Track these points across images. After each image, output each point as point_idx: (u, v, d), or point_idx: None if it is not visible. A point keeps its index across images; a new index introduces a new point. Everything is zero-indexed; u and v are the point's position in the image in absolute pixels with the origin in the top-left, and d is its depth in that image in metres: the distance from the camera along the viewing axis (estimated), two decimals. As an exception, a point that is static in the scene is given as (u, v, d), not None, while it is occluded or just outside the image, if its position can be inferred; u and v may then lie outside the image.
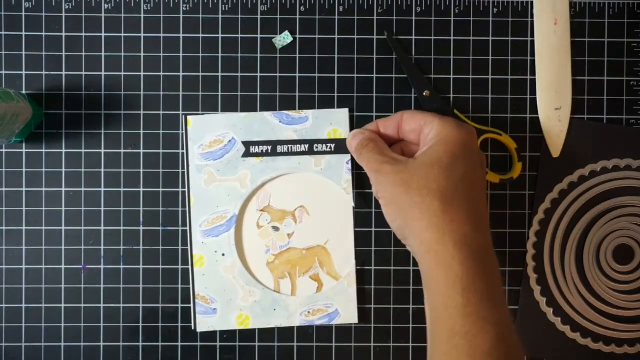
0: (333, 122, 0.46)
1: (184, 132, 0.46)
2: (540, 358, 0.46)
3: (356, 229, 0.46)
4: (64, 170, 0.46)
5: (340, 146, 0.45)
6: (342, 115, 0.46)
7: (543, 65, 0.46)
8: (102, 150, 0.46)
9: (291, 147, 0.45)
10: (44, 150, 0.46)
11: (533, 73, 0.46)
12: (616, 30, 0.47)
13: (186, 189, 0.45)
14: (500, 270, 0.38)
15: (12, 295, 0.46)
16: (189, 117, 0.46)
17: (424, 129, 0.41)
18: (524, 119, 0.47)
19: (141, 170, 0.46)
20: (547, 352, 0.46)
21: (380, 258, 0.46)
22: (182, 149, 0.46)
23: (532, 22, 0.47)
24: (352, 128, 0.46)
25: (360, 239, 0.46)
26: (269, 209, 0.46)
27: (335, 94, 0.46)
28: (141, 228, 0.46)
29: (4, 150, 0.46)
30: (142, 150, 0.46)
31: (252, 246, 0.46)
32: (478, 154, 0.40)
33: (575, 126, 0.47)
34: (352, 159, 0.45)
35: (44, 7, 0.46)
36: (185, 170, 0.45)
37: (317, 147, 0.45)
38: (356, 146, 0.43)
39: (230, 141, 0.45)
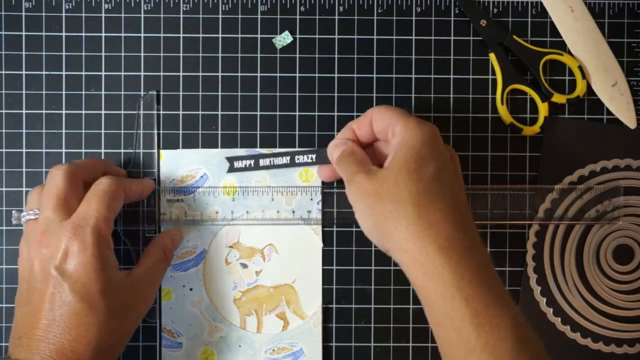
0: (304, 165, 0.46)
1: (157, 168, 0.46)
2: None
3: (324, 267, 0.46)
4: (64, 170, 0.46)
5: (321, 157, 0.45)
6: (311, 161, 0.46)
7: (581, 53, 0.46)
8: (102, 150, 0.46)
9: (273, 160, 0.45)
10: (44, 150, 0.46)
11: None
12: (616, 30, 0.47)
13: (156, 224, 0.45)
14: (492, 263, 0.36)
15: (12, 295, 0.46)
16: (162, 152, 0.46)
17: (388, 132, 0.39)
18: (524, 118, 0.47)
19: (141, 170, 0.46)
20: (547, 352, 0.46)
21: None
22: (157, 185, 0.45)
23: (532, 22, 0.47)
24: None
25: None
26: (238, 246, 0.46)
27: (335, 94, 0.46)
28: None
29: (4, 150, 0.46)
30: (141, 150, 0.46)
31: (219, 282, 0.46)
32: (446, 150, 0.38)
33: (575, 126, 0.47)
34: (322, 199, 0.45)
35: (44, 7, 0.46)
36: (156, 204, 0.45)
37: (298, 159, 0.45)
38: (337, 157, 0.41)
39: (202, 177, 0.46)
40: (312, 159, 0.45)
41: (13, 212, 0.41)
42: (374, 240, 0.39)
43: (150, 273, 0.42)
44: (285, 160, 0.45)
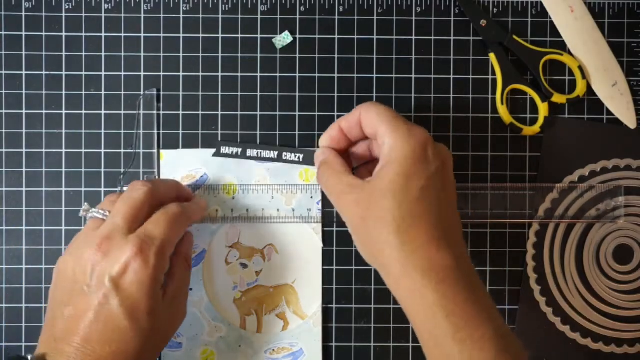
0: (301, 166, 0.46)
1: (157, 168, 0.46)
2: (541, 358, 0.46)
3: (324, 267, 0.46)
4: (64, 170, 0.46)
5: (308, 158, 0.45)
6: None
7: (581, 53, 0.46)
8: (102, 150, 0.46)
9: (260, 153, 0.45)
10: (44, 150, 0.46)
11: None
12: (616, 30, 0.47)
13: None
14: (477, 274, 0.36)
15: (12, 295, 0.46)
16: (162, 152, 0.46)
17: (378, 138, 0.38)
18: (524, 118, 0.47)
19: (140, 170, 0.46)
20: (547, 352, 0.46)
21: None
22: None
23: (532, 22, 0.47)
24: None
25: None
26: (238, 246, 0.46)
27: (335, 94, 0.46)
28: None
29: (4, 150, 0.46)
30: (141, 150, 0.46)
31: (219, 282, 0.46)
32: (436, 157, 0.37)
33: (576, 126, 0.47)
34: (322, 199, 0.45)
35: (44, 7, 0.46)
36: None
37: (285, 156, 0.45)
38: (318, 167, 0.41)
39: (202, 177, 0.46)
40: (299, 158, 0.45)
41: (85, 203, 0.41)
42: (363, 256, 0.39)
43: (180, 286, 0.41)
44: (273, 154, 0.45)
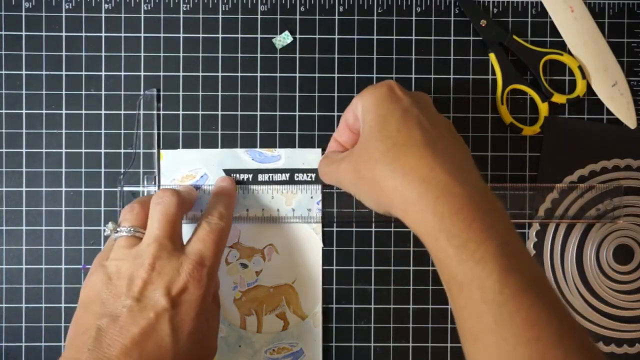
0: (305, 162, 0.46)
1: (157, 168, 0.46)
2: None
3: (324, 267, 0.46)
4: (64, 170, 0.46)
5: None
6: (314, 156, 0.46)
7: (581, 53, 0.46)
8: (102, 150, 0.46)
9: (272, 176, 0.46)
10: (44, 150, 0.46)
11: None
12: (616, 30, 0.47)
13: None
14: (491, 193, 0.35)
15: (12, 295, 0.46)
16: (162, 152, 0.46)
17: (356, 115, 0.39)
18: (524, 118, 0.47)
19: (140, 170, 0.46)
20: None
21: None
22: (155, 184, 0.46)
23: (532, 22, 0.47)
24: None
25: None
26: (238, 246, 0.46)
27: (335, 94, 0.46)
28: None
29: (4, 150, 0.46)
30: (141, 150, 0.46)
31: (220, 282, 0.46)
32: (405, 96, 0.38)
33: (576, 126, 0.47)
34: (323, 199, 0.46)
35: (44, 7, 0.46)
36: None
37: (297, 177, 0.46)
38: (321, 176, 0.43)
39: (202, 177, 0.46)
40: (311, 177, 0.46)
41: (110, 223, 0.40)
42: (373, 208, 0.38)
43: (213, 321, 0.41)
44: (285, 177, 0.46)
